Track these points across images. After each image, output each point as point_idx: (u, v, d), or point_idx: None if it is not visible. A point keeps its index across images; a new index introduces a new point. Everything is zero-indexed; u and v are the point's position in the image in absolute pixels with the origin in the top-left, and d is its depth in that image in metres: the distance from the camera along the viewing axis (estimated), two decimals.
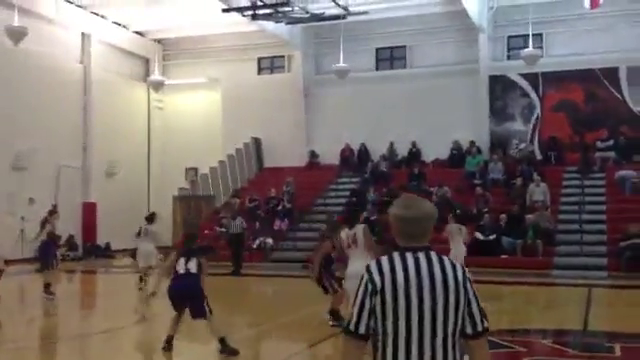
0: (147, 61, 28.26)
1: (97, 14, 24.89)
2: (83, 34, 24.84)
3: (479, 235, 18.02)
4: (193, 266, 8.35)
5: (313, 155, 25.69)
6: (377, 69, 25.86)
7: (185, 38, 27.43)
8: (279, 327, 10.92)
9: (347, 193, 22.77)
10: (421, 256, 3.09)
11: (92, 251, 23.93)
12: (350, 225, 8.93)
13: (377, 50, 25.86)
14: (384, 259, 3.12)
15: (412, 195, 3.39)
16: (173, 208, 25.28)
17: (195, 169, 26.96)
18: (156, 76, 27.30)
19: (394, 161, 24.03)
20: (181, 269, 8.35)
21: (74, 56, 24.71)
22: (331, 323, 10.03)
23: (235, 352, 8.19)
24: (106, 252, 24.14)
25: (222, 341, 8.22)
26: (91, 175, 24.82)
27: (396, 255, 3.12)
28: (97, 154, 24.91)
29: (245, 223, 19.25)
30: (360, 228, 8.77)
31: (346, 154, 24.89)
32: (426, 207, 3.20)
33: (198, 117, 27.81)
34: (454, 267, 3.10)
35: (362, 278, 3.11)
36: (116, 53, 26.69)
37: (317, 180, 24.17)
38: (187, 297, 8.27)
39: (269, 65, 27.57)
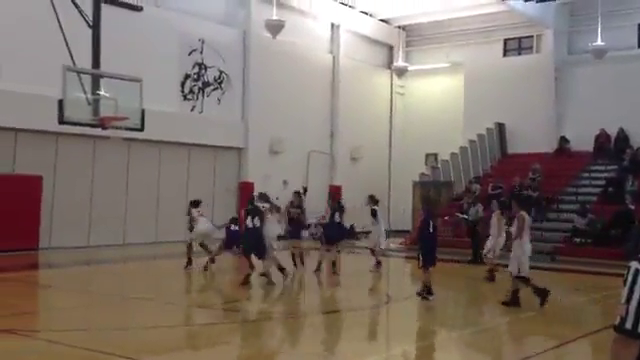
0: (391, 48, 28.73)
1: (346, 4, 25.86)
2: (332, 24, 26.00)
3: None
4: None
5: (564, 141, 24.02)
6: None
7: (428, 23, 27.40)
8: (523, 321, 10.33)
9: (602, 182, 20.90)
10: None
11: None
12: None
13: None
14: None
15: None
16: (413, 193, 25.41)
17: (435, 155, 26.86)
18: (400, 62, 27.64)
19: None
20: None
21: (324, 46, 25.99)
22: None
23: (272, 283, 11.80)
24: (351, 233, 25.05)
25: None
26: (337, 159, 25.97)
27: None
28: (342, 140, 26.00)
29: (482, 211, 18.60)
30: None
31: (601, 140, 22.85)
32: None
33: (439, 102, 27.67)
34: None
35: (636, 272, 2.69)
36: (362, 41, 27.53)
37: (567, 167, 22.56)
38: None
39: (516, 46, 26.38)
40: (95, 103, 13.67)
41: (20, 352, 7.35)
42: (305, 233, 15.42)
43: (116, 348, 7.39)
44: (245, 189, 22.29)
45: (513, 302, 10.50)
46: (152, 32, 19.47)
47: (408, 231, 23.44)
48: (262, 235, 12.15)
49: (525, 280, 10.61)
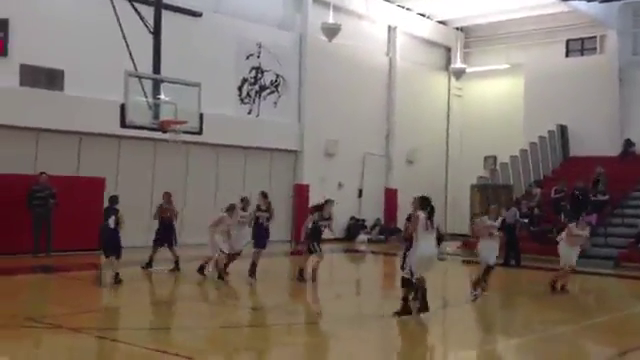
0: (448, 50, 28.39)
1: (403, 7, 25.70)
2: (389, 27, 25.87)
3: None
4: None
5: (628, 144, 23.26)
6: None
7: (487, 24, 27.01)
8: (585, 329, 10.03)
9: None
10: None
11: (393, 234, 24.88)
12: None
13: None
14: None
15: None
16: (471, 196, 25.00)
17: (494, 157, 26.38)
18: (457, 64, 27.30)
19: None
20: None
21: (381, 48, 25.88)
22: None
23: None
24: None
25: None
26: (393, 162, 25.82)
27: None
28: (398, 142, 25.83)
29: (518, 215, 18.10)
30: None
31: None
32: None
33: (498, 104, 27.20)
34: None
35: None
36: (419, 43, 27.31)
37: (633, 171, 21.78)
38: None
39: (579, 47, 25.70)
40: (155, 107, 13.95)
41: (83, 349, 7.58)
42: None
43: (179, 348, 7.53)
44: (301, 192, 22.43)
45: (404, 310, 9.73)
46: (211, 37, 19.80)
47: (466, 235, 23.06)
48: (118, 235, 12.15)
49: (409, 284, 9.69)
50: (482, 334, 9.73)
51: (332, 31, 21.27)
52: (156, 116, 13.91)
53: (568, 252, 13.04)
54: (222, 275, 12.83)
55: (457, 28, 28.00)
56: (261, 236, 13.42)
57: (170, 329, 9.13)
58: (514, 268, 17.21)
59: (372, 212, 24.86)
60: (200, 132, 14.38)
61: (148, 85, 14.02)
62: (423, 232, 9.43)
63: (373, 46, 25.54)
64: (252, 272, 12.98)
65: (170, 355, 7.17)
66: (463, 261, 18.72)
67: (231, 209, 13.45)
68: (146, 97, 13.88)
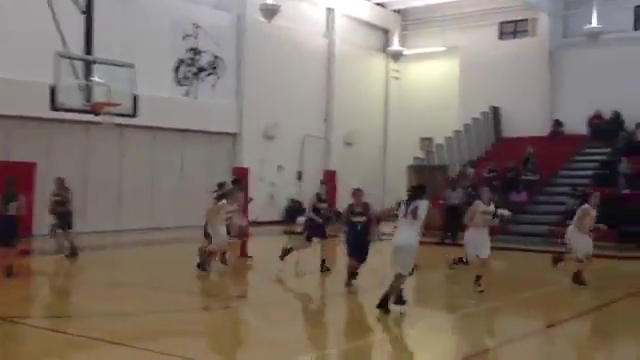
0: (386, 32, 28.64)
1: None
2: (328, 8, 25.87)
3: None
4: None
5: (557, 124, 24.08)
6: (635, 29, 23.30)
7: (424, 7, 27.36)
8: (517, 303, 10.43)
9: (595, 165, 20.98)
10: None
11: (333, 216, 25.10)
12: None
13: (636, 8, 23.29)
14: None
15: None
16: (408, 178, 25.46)
17: (430, 139, 26.85)
18: (395, 46, 27.57)
19: None
20: None
21: (319, 30, 25.88)
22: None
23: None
24: None
25: None
26: (332, 144, 25.99)
27: None
28: (337, 124, 26.00)
29: (464, 196, 18.63)
30: None
31: (595, 122, 22.91)
32: None
33: (434, 86, 27.65)
34: None
35: None
36: (357, 25, 27.43)
37: (561, 150, 22.60)
38: None
39: (512, 30, 26.29)
40: (87, 89, 13.62)
41: (6, 338, 7.43)
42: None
43: (105, 334, 7.48)
44: (242, 175, 22.33)
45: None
46: (145, 17, 19.40)
47: None
48: (15, 223, 11.15)
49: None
50: (412, 310, 9.98)
51: (271, 12, 21.14)
52: (88, 98, 13.60)
53: (584, 239, 11.47)
54: (206, 267, 11.92)
55: (395, 10, 28.23)
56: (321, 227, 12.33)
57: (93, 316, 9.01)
58: (450, 246, 17.60)
59: (312, 194, 24.94)
60: (134, 114, 14.14)
61: (80, 67, 13.67)
62: (400, 219, 8.79)
63: (312, 28, 25.52)
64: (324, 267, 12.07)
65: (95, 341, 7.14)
66: None
67: (230, 194, 12.52)
68: (77, 79, 13.54)
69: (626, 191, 18.50)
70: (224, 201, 12.34)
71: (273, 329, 8.44)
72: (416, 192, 8.98)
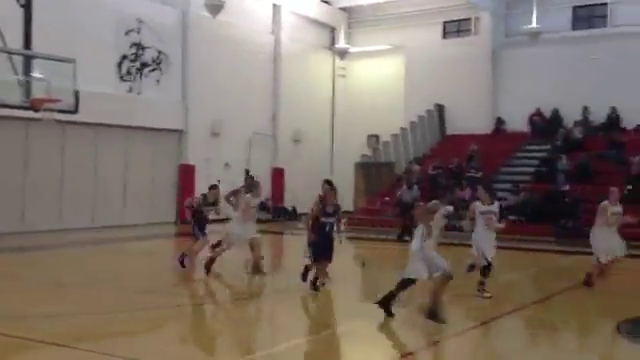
0: (333, 30, 28.75)
1: None
2: (274, 5, 25.79)
3: None
4: None
5: (500, 122, 24.67)
6: (573, 29, 24.06)
7: (369, 5, 27.56)
8: (458, 298, 10.61)
9: (536, 162, 21.60)
10: None
11: (280, 214, 25.10)
12: None
13: (574, 8, 24.06)
14: None
15: None
16: (355, 175, 25.71)
17: (377, 136, 27.13)
18: (341, 44, 27.70)
19: (589, 128, 22.29)
20: None
21: (266, 27, 25.78)
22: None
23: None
24: (293, 215, 25.19)
25: None
26: (279, 141, 25.95)
27: None
28: (285, 121, 25.96)
29: (419, 192, 18.91)
30: None
31: (536, 120, 23.58)
32: None
33: (380, 84, 27.90)
34: None
35: None
36: (304, 23, 27.44)
37: (503, 148, 23.19)
38: None
39: (455, 29, 26.77)
40: (27, 85, 13.25)
41: None
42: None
43: (45, 335, 7.29)
44: (188, 172, 22.11)
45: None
46: (87, 11, 18.93)
47: (350, 212, 23.66)
48: None
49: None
50: (358, 306, 10.07)
51: (216, 8, 20.96)
52: (27, 94, 13.22)
53: (603, 238, 10.85)
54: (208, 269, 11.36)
55: (341, 8, 28.35)
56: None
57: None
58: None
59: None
60: (76, 111, 13.81)
61: (19, 62, 13.28)
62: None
63: (258, 24, 25.40)
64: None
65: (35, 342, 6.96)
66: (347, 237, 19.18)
67: (256, 186, 11.42)
68: (16, 74, 13.14)
69: (565, 187, 19.09)
70: (248, 194, 11.45)
71: (221, 328, 8.38)
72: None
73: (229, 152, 23.54)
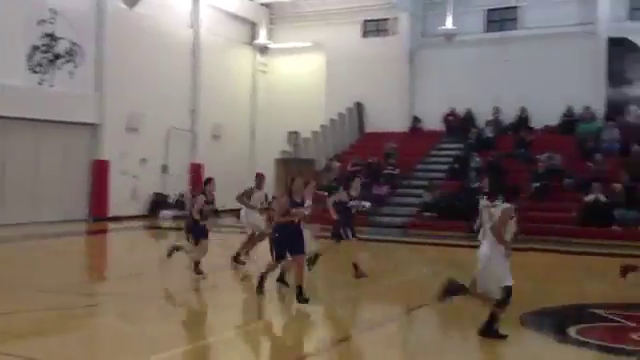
0: (254, 25, 28.61)
1: None
2: None
3: None
4: None
5: (416, 120, 25.27)
6: (487, 31, 24.93)
7: (291, 2, 27.57)
8: (376, 291, 10.85)
9: (449, 159, 22.26)
10: None
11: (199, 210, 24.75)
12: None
13: (487, 11, 24.92)
14: None
15: None
16: (275, 171, 25.68)
17: (297, 132, 27.22)
18: (262, 40, 27.59)
19: (500, 127, 23.18)
20: None
21: (185, 20, 25.35)
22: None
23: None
24: (212, 211, 24.91)
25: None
26: (198, 137, 25.61)
27: None
28: (204, 116, 25.64)
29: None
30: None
31: (450, 119, 24.30)
32: None
33: (302, 81, 27.98)
34: None
35: None
36: (224, 17, 27.17)
37: (419, 146, 23.77)
38: None
39: (374, 28, 27.16)
40: None
41: None
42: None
43: None
44: (102, 168, 21.49)
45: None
46: None
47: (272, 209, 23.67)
48: None
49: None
50: (280, 303, 10.12)
51: None
52: None
53: None
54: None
55: (262, 4, 28.24)
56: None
57: None
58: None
59: (177, 188, 24.53)
60: None
61: None
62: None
63: (177, 18, 24.94)
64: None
65: None
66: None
67: (297, 188, 9.89)
68: None
69: (476, 184, 19.75)
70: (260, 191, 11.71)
71: (130, 327, 8.22)
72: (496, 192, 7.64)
73: (146, 147, 23.04)
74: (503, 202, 7.37)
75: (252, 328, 8.48)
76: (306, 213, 9.70)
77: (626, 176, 17.91)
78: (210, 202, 11.61)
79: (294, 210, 9.31)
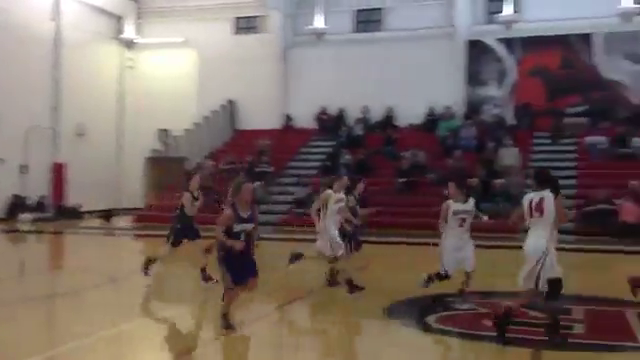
0: (120, 19, 27.63)
1: None
2: None
3: None
4: None
5: (288, 118, 25.52)
6: (356, 31, 25.61)
7: None
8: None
9: (321, 157, 22.71)
10: None
11: (62, 212, 23.66)
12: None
13: (357, 12, 25.62)
14: None
15: None
16: (145, 169, 25.03)
17: (167, 130, 26.60)
18: (128, 34, 26.74)
19: (369, 125, 23.94)
20: None
21: (45, 13, 24.03)
22: None
23: None
24: (76, 213, 23.87)
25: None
26: (61, 135, 24.40)
27: None
28: (67, 114, 24.47)
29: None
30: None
31: (322, 117, 24.76)
32: None
33: (172, 78, 27.38)
34: None
35: None
36: (89, 11, 26.04)
37: (291, 143, 24.04)
38: None
39: (246, 25, 27.11)
40: None
41: None
42: None
43: None
44: None
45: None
46: None
47: (141, 208, 23.03)
48: None
49: None
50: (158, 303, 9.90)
51: None
52: None
53: None
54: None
55: None
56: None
57: None
58: None
59: (38, 189, 23.27)
60: None
61: None
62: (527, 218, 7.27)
63: (36, 10, 23.62)
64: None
65: None
66: (136, 235, 18.72)
67: (338, 180, 9.68)
68: None
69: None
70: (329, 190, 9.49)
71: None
72: (540, 181, 7.24)
73: (3, 146, 21.68)
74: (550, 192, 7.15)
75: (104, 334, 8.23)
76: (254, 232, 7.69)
77: (482, 171, 19.08)
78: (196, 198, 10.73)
79: (230, 242, 7.27)
